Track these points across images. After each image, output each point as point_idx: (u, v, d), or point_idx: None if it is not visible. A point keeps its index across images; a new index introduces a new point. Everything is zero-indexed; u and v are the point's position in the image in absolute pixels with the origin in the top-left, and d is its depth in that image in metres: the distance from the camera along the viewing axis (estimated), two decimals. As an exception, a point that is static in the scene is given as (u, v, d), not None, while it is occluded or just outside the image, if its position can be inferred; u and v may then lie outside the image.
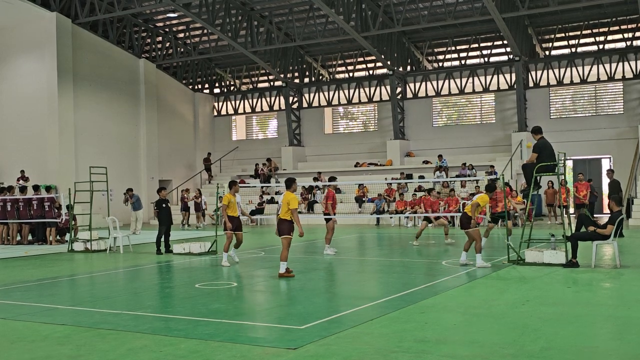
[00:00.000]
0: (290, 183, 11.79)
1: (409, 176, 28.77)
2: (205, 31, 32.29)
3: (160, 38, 33.89)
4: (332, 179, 16.56)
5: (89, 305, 9.11)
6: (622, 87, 28.36)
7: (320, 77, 35.02)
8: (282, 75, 33.26)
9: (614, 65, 28.33)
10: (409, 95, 32.54)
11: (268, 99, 36.36)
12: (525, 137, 27.97)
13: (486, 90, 30.83)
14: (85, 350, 6.47)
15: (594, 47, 29.31)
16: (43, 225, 19.93)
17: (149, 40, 33.59)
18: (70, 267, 14.34)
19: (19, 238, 20.22)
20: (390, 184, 27.09)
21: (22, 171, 26.62)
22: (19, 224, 20.16)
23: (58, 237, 19.97)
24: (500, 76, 30.54)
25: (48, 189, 23.68)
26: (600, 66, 28.60)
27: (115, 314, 8.25)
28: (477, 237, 12.24)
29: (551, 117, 29.42)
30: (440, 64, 32.52)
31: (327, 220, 15.48)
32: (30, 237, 20.35)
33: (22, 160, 27.71)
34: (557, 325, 7.14)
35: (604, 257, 13.16)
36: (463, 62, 31.73)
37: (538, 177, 12.74)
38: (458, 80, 31.29)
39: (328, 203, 15.61)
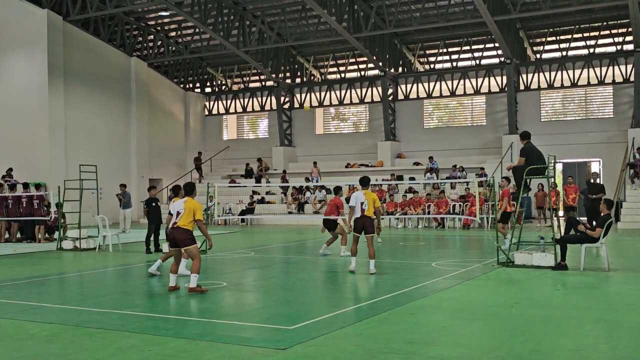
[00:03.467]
0: (191, 189, 10.19)
1: (400, 177, 28.78)
2: (197, 30, 32.20)
3: (151, 36, 33.77)
4: (337, 190, 16.15)
5: (78, 304, 9.07)
6: (612, 91, 28.50)
7: (312, 78, 35.01)
8: (273, 75, 33.22)
9: (604, 69, 28.47)
10: (400, 96, 32.59)
11: (259, 99, 36.31)
12: (515, 140, 28.01)
13: (477, 92, 30.90)
14: (73, 349, 6.44)
15: (585, 51, 29.42)
16: (32, 223, 19.82)
17: (140, 39, 33.46)
18: (58, 266, 14.27)
19: (7, 236, 20.10)
20: (381, 185, 27.11)
21: (10, 169, 26.37)
22: (8, 222, 20.05)
23: (47, 235, 19.87)
24: (492, 79, 30.62)
25: (37, 186, 23.53)
26: (591, 70, 28.73)
27: (103, 313, 8.21)
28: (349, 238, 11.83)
29: (542, 120, 29.55)
30: (432, 66, 32.58)
31: (336, 225, 14.99)
32: (19, 235, 20.24)
33: (12, 157, 27.49)
34: (546, 328, 7.17)
35: (592, 260, 13.22)
36: (454, 64, 31.78)
37: (528, 180, 12.78)
38: (449, 82, 31.36)
39: (341, 212, 15.12)
